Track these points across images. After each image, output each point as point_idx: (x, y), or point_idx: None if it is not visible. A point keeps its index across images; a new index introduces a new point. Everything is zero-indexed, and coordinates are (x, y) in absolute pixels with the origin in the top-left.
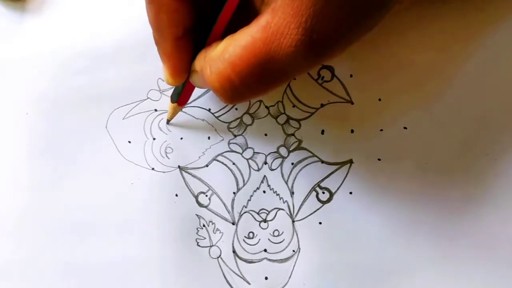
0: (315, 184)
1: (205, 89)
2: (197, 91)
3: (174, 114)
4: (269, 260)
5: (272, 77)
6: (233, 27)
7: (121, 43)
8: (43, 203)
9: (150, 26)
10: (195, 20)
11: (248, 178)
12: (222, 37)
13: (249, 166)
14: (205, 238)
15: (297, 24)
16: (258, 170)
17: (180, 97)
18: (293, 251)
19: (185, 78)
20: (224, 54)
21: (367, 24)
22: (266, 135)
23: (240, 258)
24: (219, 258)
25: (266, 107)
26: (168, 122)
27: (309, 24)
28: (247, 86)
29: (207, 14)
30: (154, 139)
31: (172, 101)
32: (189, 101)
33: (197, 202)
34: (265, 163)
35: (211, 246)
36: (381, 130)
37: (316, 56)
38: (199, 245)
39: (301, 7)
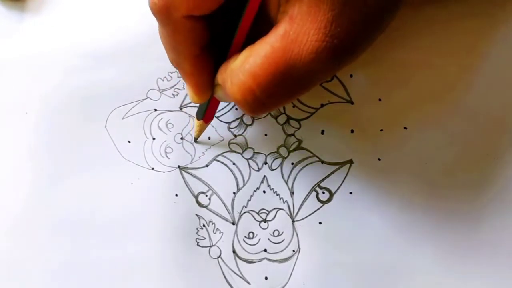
0: (315, 184)
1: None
2: None
3: (201, 131)
4: (269, 260)
5: (294, 85)
6: (250, 39)
7: (121, 43)
8: (43, 202)
9: (165, 47)
10: (211, 35)
11: (248, 178)
12: (241, 49)
13: (249, 166)
14: (205, 238)
15: (317, 30)
16: (258, 170)
17: (206, 114)
18: (293, 251)
19: (210, 95)
20: (244, 65)
21: (383, 25)
22: (266, 135)
23: (240, 258)
24: (219, 258)
25: None
26: (195, 140)
27: (329, 29)
28: (269, 96)
29: (222, 28)
30: (154, 139)
31: (198, 118)
32: (188, 102)
33: (197, 202)
34: (265, 163)
35: (211, 246)
36: (381, 130)
37: (338, 61)
38: (199, 245)
39: (319, 13)
